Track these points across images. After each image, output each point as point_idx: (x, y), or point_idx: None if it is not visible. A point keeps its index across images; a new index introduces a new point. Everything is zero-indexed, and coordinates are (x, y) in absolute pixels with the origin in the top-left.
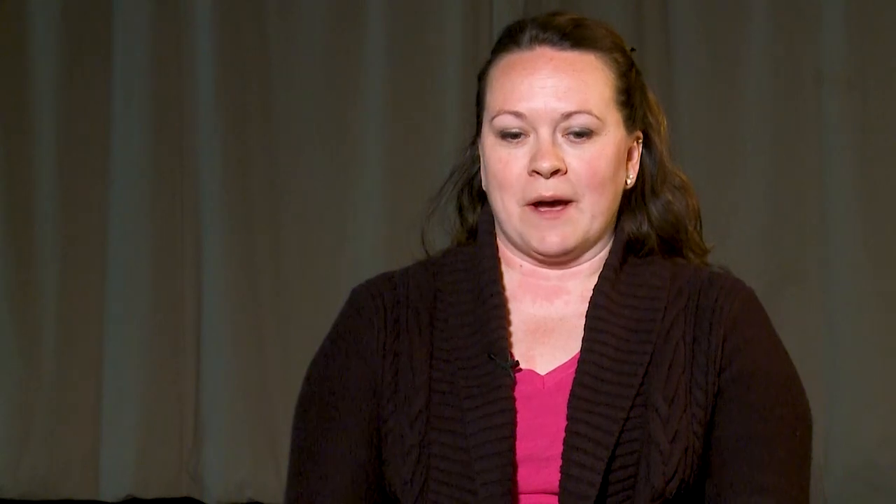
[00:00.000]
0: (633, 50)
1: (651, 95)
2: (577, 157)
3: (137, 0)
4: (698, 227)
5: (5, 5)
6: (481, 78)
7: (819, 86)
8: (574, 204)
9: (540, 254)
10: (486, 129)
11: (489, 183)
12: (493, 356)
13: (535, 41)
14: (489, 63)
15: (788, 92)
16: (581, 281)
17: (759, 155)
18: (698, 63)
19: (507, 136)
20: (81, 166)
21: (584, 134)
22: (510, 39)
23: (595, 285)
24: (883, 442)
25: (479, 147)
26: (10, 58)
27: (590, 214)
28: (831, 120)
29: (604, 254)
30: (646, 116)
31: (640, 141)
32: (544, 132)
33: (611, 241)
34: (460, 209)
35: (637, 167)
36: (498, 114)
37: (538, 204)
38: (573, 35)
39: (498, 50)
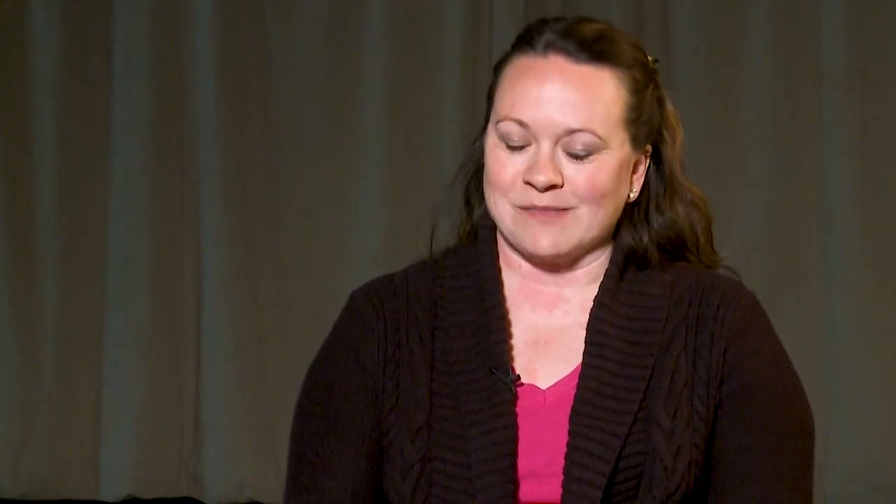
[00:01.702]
0: (656, 61)
1: (669, 108)
2: (576, 172)
3: (137, 0)
4: (710, 240)
5: (5, 5)
6: (497, 70)
7: (819, 86)
8: (571, 210)
9: (532, 256)
10: (490, 128)
11: (485, 180)
12: (494, 370)
13: (551, 48)
14: (507, 57)
15: (788, 92)
16: (579, 289)
17: (759, 155)
18: (698, 63)
19: (509, 141)
20: (81, 166)
21: (584, 151)
22: (528, 40)
23: (595, 296)
24: (883, 442)
25: (484, 141)
26: (10, 58)
27: (586, 223)
28: (831, 120)
29: (601, 262)
30: (660, 131)
31: (649, 154)
32: (545, 145)
33: (609, 252)
34: (468, 200)
35: (642, 180)
36: (503, 119)
37: (531, 207)
38: (592, 48)
39: (516, 46)
